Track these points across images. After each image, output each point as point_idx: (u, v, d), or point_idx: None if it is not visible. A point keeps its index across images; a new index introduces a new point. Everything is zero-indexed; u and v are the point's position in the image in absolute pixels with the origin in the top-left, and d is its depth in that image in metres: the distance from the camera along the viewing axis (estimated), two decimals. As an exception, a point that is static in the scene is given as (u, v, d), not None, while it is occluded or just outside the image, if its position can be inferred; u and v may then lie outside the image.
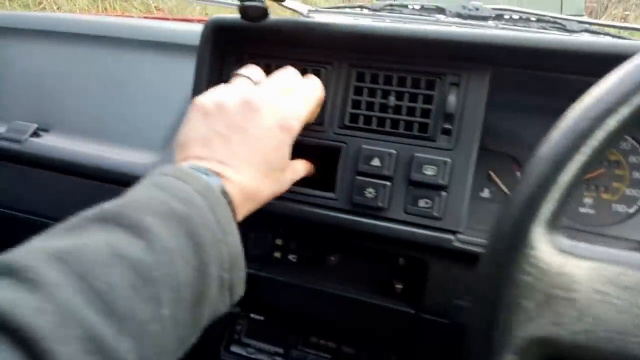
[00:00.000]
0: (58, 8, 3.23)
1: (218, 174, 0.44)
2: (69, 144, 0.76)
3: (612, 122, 0.28)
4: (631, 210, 0.62)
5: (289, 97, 0.50)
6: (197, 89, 0.64)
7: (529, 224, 0.29)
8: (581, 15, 3.56)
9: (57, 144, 0.76)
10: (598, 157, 0.29)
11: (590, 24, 0.84)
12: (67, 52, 0.86)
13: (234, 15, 0.61)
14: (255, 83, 0.52)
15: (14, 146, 0.76)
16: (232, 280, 0.40)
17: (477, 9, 0.89)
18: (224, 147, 0.45)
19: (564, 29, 0.84)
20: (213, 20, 0.61)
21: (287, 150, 0.49)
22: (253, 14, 0.53)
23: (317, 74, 0.60)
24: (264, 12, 0.53)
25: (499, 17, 0.88)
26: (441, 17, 0.91)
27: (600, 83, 0.31)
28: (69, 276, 0.29)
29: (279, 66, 0.61)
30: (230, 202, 0.42)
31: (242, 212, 0.46)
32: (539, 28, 0.85)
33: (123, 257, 0.32)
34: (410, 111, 0.58)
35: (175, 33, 0.86)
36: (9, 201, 0.78)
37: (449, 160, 0.56)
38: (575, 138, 0.29)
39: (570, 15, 3.54)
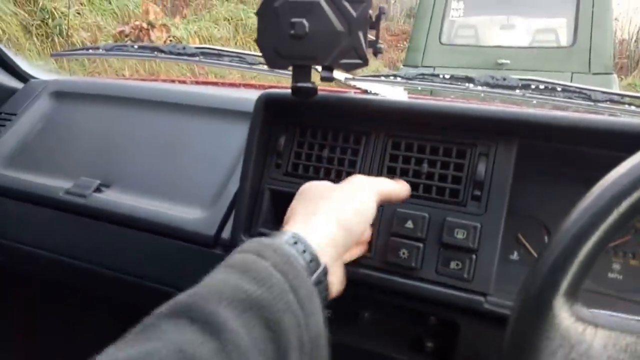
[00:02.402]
0: (109, 65, 3.49)
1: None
2: (127, 199, 0.84)
3: (625, 204, 0.33)
4: (660, 277, 0.63)
5: None
6: (249, 152, 0.71)
7: (552, 294, 0.33)
8: (610, 74, 3.59)
9: (117, 199, 0.84)
10: (614, 233, 0.33)
11: (614, 94, 0.88)
12: (129, 115, 0.96)
13: (283, 91, 0.69)
14: None
15: (79, 200, 0.84)
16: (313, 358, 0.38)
17: (504, 79, 0.95)
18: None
19: (589, 98, 0.88)
20: (265, 95, 0.69)
21: None
22: (304, 93, 0.60)
23: (358, 142, 0.67)
24: (314, 92, 0.60)
25: (525, 87, 0.93)
26: (470, 85, 0.97)
27: (617, 167, 0.36)
28: None
29: (324, 134, 0.69)
30: (318, 277, 0.42)
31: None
32: (564, 98, 0.90)
33: None
34: (442, 178, 0.63)
35: (223, 99, 0.95)
36: (73, 252, 0.86)
37: (478, 225, 0.60)
38: (593, 217, 0.33)
39: (599, 72, 3.57)
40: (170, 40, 4.39)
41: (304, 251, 0.42)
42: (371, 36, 0.59)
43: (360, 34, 0.57)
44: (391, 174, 0.65)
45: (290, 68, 0.61)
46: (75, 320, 1.12)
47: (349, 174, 0.67)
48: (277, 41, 0.58)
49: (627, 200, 0.33)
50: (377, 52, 0.60)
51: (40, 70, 1.17)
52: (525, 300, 0.33)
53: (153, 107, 0.96)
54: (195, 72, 3.87)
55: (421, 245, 0.61)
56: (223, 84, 1.21)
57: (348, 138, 0.68)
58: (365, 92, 1.08)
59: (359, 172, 0.67)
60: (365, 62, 0.58)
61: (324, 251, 0.45)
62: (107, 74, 3.52)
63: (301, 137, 0.70)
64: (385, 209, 0.64)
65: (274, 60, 0.59)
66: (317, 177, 0.69)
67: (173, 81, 1.25)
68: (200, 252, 0.76)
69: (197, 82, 1.20)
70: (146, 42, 4.14)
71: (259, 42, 0.59)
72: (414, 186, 0.64)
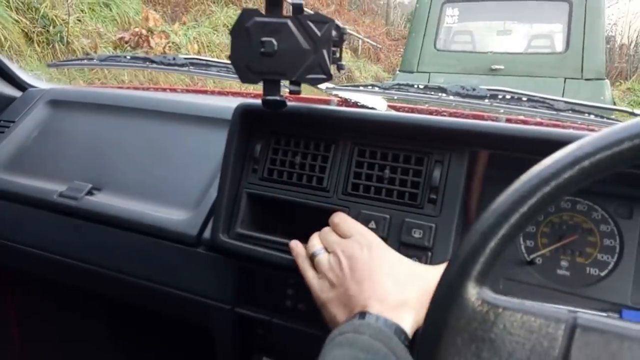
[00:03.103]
0: (109, 72, 3.56)
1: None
2: (117, 201, 0.89)
3: (524, 208, 0.38)
4: (602, 274, 0.69)
5: None
6: (227, 158, 0.77)
7: (463, 280, 0.38)
8: (602, 79, 3.65)
9: (107, 201, 0.90)
10: (518, 231, 0.39)
11: (575, 104, 0.94)
12: (120, 123, 1.02)
13: (258, 101, 0.74)
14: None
15: (72, 203, 0.90)
16: None
17: (474, 89, 1.01)
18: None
19: (552, 108, 0.94)
20: (241, 106, 0.75)
21: None
22: (274, 105, 0.66)
23: (327, 149, 0.73)
24: (282, 104, 0.66)
25: (493, 97, 0.99)
26: (443, 95, 1.03)
27: (523, 174, 0.41)
28: None
29: (297, 142, 0.75)
30: (405, 336, 0.52)
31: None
32: (529, 107, 0.96)
33: None
34: (402, 183, 0.69)
35: (209, 108, 1.00)
36: (66, 251, 0.91)
37: (433, 225, 0.66)
38: (498, 217, 0.39)
39: (591, 78, 3.63)
40: (169, 47, 4.46)
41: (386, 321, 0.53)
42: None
43: (325, 52, 0.63)
44: (357, 179, 0.71)
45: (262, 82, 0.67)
46: (69, 316, 1.18)
47: (319, 179, 0.73)
48: (249, 58, 0.64)
49: (528, 203, 0.38)
50: (340, 68, 0.66)
51: (38, 79, 1.23)
52: (441, 285, 0.39)
53: (143, 115, 1.02)
54: (194, 79, 3.93)
55: None
56: (212, 92, 1.27)
57: (318, 146, 0.74)
58: (347, 101, 1.14)
59: (328, 178, 0.72)
60: (329, 77, 0.64)
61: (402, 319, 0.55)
62: (106, 79, 3.59)
63: (276, 145, 0.76)
64: (351, 210, 0.70)
65: (245, 75, 0.65)
66: (290, 182, 0.75)
67: (165, 89, 1.31)
68: (184, 250, 0.82)
69: (187, 91, 1.26)
70: (145, 49, 4.22)
71: (232, 58, 0.65)
72: (377, 190, 0.70)
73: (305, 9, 0.66)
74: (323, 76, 0.64)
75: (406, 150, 0.69)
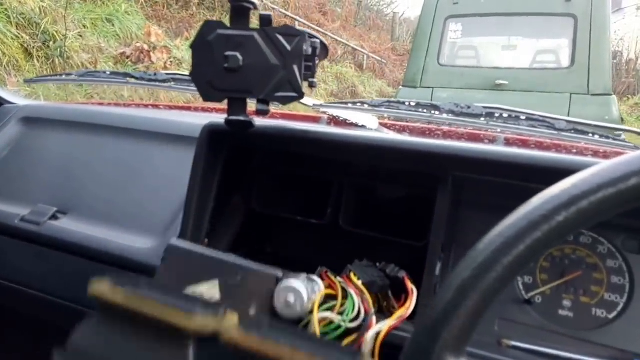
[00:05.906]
0: (108, 87, 3.53)
1: None
2: (81, 227, 0.83)
3: (507, 259, 0.31)
4: (611, 316, 0.61)
5: None
6: (194, 177, 0.69)
7: (434, 348, 0.31)
8: (609, 95, 3.58)
9: (71, 227, 0.83)
10: (502, 286, 0.32)
11: (578, 123, 0.87)
12: (93, 142, 0.96)
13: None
14: None
15: (34, 228, 0.83)
16: None
17: (468, 107, 0.94)
18: None
19: (552, 127, 0.87)
20: (207, 126, 0.69)
21: None
22: (239, 126, 0.59)
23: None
24: (248, 124, 0.59)
25: (489, 115, 0.92)
26: (435, 113, 0.97)
27: (504, 220, 0.34)
28: None
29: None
30: None
31: None
32: (528, 126, 0.89)
33: None
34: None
35: (189, 126, 0.94)
36: (25, 279, 0.85)
37: None
38: (476, 269, 0.32)
39: (597, 93, 3.58)
40: (171, 62, 4.44)
41: None
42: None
43: (295, 68, 0.57)
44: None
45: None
46: (28, 348, 1.11)
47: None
48: (212, 74, 0.58)
49: (514, 252, 0.31)
50: (312, 86, 0.59)
51: (16, 95, 1.18)
52: (409, 354, 0.32)
53: (117, 133, 0.96)
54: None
55: None
56: (196, 109, 1.21)
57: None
58: (336, 118, 1.08)
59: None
60: (300, 96, 0.58)
61: None
62: (106, 94, 3.57)
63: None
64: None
65: (208, 93, 0.58)
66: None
67: (147, 106, 1.26)
68: (148, 282, 0.75)
69: (169, 107, 1.21)
70: (147, 64, 4.21)
71: (193, 75, 0.59)
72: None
73: (308, 21, 0.60)
74: (294, 94, 0.58)
75: None
